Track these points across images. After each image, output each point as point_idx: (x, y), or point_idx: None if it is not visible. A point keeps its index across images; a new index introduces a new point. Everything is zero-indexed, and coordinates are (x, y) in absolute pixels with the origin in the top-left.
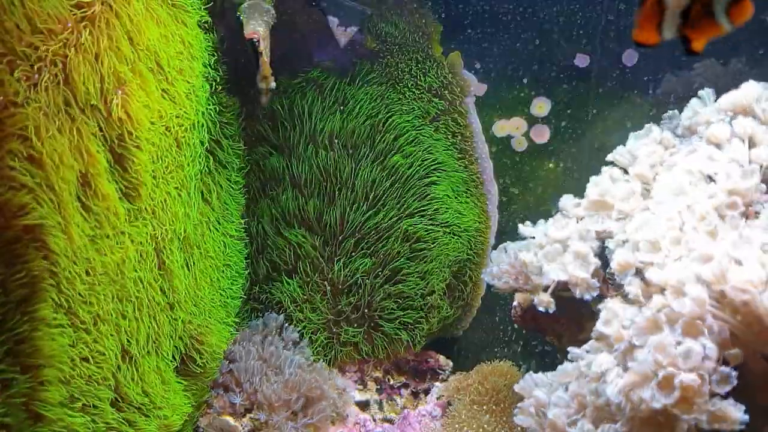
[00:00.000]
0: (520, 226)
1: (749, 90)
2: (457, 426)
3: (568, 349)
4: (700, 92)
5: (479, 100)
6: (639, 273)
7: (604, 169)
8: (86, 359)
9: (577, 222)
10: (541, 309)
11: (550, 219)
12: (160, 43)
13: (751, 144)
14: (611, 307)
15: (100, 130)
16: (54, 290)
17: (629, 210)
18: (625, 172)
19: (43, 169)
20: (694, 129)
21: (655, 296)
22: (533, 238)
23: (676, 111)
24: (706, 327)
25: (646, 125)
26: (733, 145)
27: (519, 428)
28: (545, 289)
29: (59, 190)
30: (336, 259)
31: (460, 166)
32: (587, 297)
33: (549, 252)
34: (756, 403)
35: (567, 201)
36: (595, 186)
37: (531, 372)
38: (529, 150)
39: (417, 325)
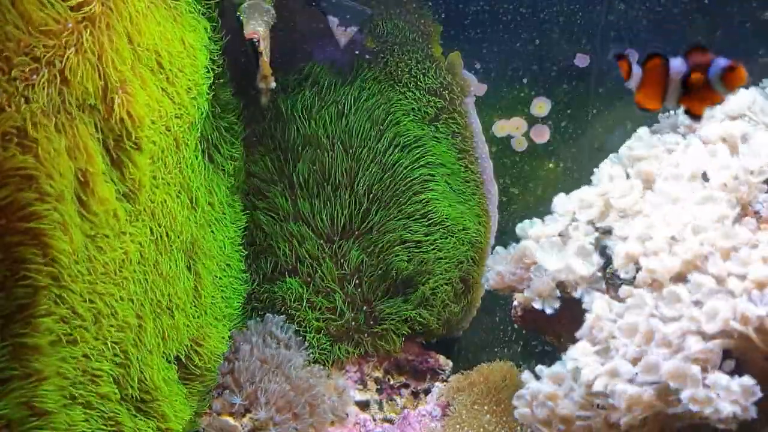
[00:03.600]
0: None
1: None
2: (457, 426)
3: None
4: None
5: (479, 100)
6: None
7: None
8: (87, 360)
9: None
10: (538, 306)
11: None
12: (160, 43)
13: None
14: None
15: (100, 130)
16: (54, 290)
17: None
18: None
19: (44, 169)
20: (693, 128)
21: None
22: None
23: (673, 112)
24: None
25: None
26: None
27: (519, 428)
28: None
29: (59, 189)
30: (336, 258)
31: (460, 166)
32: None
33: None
34: (756, 404)
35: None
36: None
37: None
38: (529, 150)
39: (418, 324)
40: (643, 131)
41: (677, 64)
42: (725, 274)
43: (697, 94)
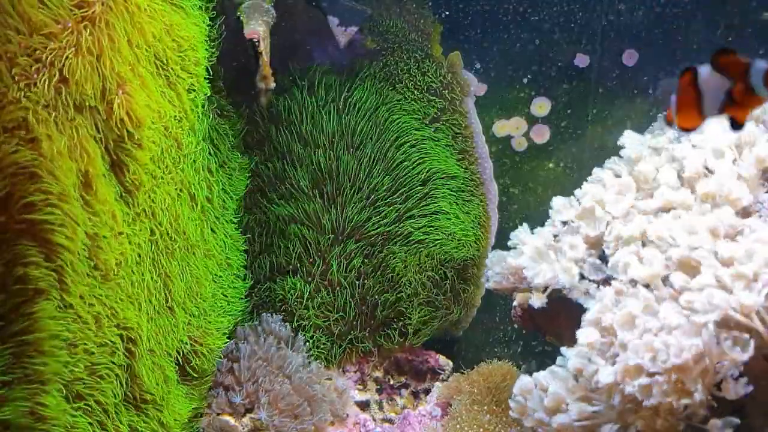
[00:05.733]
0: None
1: None
2: (457, 426)
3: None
4: None
5: (479, 100)
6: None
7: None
8: (87, 359)
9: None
10: (535, 305)
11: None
12: (161, 42)
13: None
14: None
15: (101, 131)
16: (55, 290)
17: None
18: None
19: (47, 167)
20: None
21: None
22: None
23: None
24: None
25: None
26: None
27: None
28: (543, 289)
29: (63, 188)
30: (337, 258)
31: (460, 166)
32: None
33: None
34: (756, 403)
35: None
36: None
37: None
38: (529, 150)
39: (418, 324)
40: (631, 133)
41: (706, 75)
42: (728, 264)
43: (742, 102)
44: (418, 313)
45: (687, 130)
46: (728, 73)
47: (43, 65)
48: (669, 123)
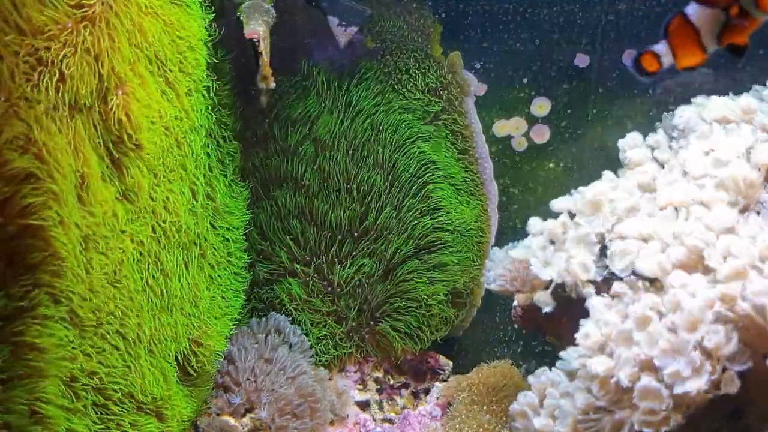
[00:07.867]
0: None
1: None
2: (457, 426)
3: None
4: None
5: (479, 100)
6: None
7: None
8: (87, 361)
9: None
10: (544, 310)
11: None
12: (161, 43)
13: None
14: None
15: (99, 131)
16: (55, 289)
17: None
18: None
19: (45, 168)
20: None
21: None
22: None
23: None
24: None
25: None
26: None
27: None
28: (545, 288)
29: (60, 188)
30: (337, 259)
31: (460, 166)
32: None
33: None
34: (756, 403)
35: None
36: None
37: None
38: (529, 150)
39: (420, 326)
40: (635, 134)
41: (696, 11)
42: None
43: (734, 29)
44: (419, 314)
45: (692, 68)
46: (715, 6)
47: (44, 65)
48: (646, 73)
